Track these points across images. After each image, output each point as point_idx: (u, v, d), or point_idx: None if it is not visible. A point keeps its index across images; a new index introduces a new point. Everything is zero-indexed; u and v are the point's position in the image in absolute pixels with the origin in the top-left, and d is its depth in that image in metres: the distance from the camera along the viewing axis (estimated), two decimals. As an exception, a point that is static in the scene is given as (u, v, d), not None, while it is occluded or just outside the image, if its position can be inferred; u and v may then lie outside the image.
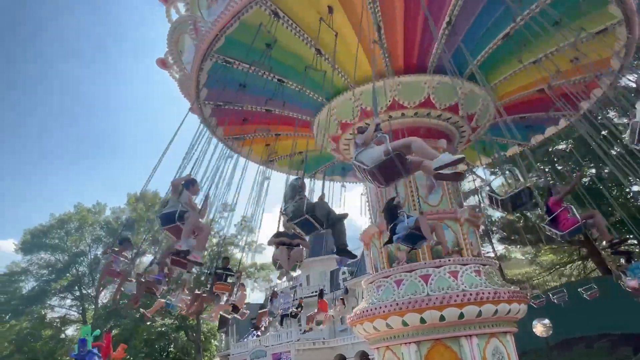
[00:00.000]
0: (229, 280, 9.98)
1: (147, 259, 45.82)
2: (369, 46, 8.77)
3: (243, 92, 10.22)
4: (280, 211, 6.74)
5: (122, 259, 9.24)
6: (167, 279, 9.39)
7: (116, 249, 9.44)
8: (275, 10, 8.24)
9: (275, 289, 20.35)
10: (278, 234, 7.90)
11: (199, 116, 11.16)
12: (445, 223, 9.74)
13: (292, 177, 11.51)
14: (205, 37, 8.87)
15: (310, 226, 6.22)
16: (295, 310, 14.08)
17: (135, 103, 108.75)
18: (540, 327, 13.65)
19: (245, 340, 39.92)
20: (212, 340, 49.33)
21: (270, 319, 14.24)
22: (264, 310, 13.93)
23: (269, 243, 7.89)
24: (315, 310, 14.18)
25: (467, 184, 24.25)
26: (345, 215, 6.73)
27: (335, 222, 6.46)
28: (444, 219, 9.80)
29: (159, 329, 44.39)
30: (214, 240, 45.81)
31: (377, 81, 9.74)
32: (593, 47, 9.25)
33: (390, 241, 6.78)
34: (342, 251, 6.62)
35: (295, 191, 6.52)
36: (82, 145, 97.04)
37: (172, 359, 46.17)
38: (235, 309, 10.76)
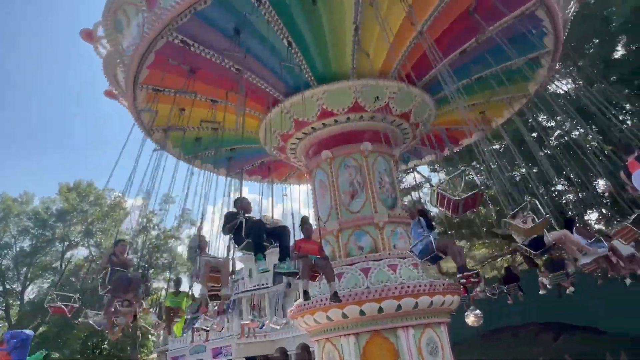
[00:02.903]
0: None
1: (79, 252, 43.53)
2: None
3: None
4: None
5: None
6: None
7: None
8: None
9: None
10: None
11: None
12: (364, 229, 10.05)
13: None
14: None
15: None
16: None
17: (66, 88, 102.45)
18: (472, 318, 14.30)
19: (184, 335, 39.00)
20: (150, 336, 47.68)
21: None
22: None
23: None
24: None
25: (408, 181, 25.16)
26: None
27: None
28: (362, 225, 10.09)
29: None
30: (153, 233, 44.34)
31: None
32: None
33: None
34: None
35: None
36: (7, 132, 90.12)
37: (105, 356, 44.14)
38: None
